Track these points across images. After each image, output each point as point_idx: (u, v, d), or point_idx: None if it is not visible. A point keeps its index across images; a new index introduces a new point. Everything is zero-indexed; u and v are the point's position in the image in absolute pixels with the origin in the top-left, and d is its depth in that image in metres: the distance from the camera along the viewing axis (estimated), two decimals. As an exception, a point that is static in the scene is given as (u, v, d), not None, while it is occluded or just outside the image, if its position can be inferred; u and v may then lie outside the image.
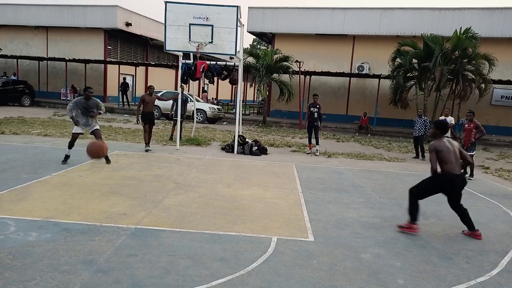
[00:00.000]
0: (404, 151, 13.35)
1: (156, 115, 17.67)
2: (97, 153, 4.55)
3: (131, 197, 5.69)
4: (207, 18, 9.79)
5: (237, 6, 9.81)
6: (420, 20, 20.53)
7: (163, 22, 9.98)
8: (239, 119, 11.60)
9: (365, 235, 4.75)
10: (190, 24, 9.78)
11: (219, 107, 21.73)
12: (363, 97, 22.67)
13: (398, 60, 18.01)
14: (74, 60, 23.94)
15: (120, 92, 23.83)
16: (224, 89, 30.73)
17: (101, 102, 7.89)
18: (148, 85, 10.66)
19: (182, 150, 10.34)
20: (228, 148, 10.85)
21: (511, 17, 19.58)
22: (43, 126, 13.37)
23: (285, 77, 20.11)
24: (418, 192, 5.00)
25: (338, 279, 3.55)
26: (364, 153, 11.99)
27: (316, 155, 11.07)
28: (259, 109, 27.23)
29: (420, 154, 11.82)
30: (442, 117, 11.53)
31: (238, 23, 9.95)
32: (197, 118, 15.51)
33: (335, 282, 3.49)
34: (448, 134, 11.14)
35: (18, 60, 25.18)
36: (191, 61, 10.73)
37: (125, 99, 23.65)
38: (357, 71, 21.70)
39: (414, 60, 17.27)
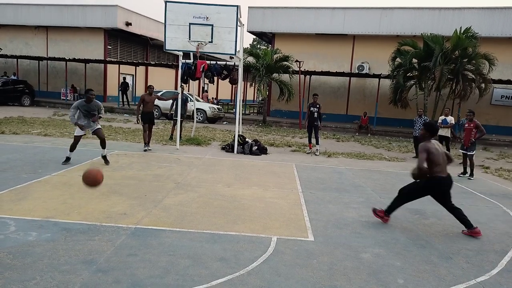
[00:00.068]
0: (404, 151, 13.35)
1: (156, 115, 17.67)
2: (93, 183, 4.53)
3: (131, 196, 5.69)
4: (207, 17, 9.78)
5: (237, 6, 9.81)
6: (420, 19, 20.53)
7: (163, 22, 9.98)
8: (239, 119, 11.60)
9: (365, 235, 4.75)
10: (190, 24, 9.78)
11: (219, 106, 21.73)
12: (363, 97, 22.67)
13: (398, 59, 18.01)
14: (74, 60, 23.93)
15: (120, 92, 23.85)
16: (224, 88, 30.72)
17: (101, 105, 7.88)
18: (148, 84, 10.64)
19: (182, 150, 10.34)
20: (228, 148, 10.85)
21: (511, 17, 19.59)
22: (43, 126, 13.37)
23: (285, 77, 20.11)
24: (409, 193, 5.11)
25: (338, 278, 3.55)
26: (364, 153, 11.99)
27: (316, 154, 11.07)
28: (259, 108, 27.23)
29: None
30: (442, 117, 11.53)
31: (238, 22, 9.95)
32: (197, 117, 15.51)
33: (335, 281, 3.49)
34: (449, 134, 11.27)
35: (18, 59, 25.18)
36: (191, 60, 10.73)
37: (125, 99, 23.65)
38: (357, 71, 21.70)
39: (414, 60, 17.26)
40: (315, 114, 11.11)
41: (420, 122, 11.82)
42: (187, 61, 10.68)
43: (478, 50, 16.34)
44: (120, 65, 24.19)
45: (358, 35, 21.90)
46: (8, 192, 5.50)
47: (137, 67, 25.98)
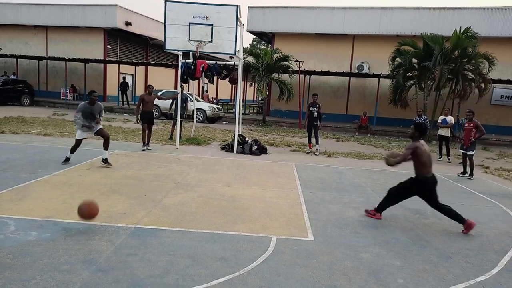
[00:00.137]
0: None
1: (155, 114, 17.67)
2: (88, 216, 4.41)
3: (131, 196, 5.69)
4: (207, 17, 9.78)
5: (237, 6, 9.80)
6: (420, 19, 20.53)
7: (163, 22, 9.97)
8: (239, 119, 11.59)
9: (365, 235, 4.75)
10: (190, 23, 9.77)
11: (219, 106, 21.73)
12: (363, 97, 22.67)
13: (398, 59, 18.02)
14: (73, 60, 23.91)
15: (119, 91, 23.84)
16: (224, 88, 30.72)
17: (103, 106, 7.81)
18: (148, 84, 10.64)
19: (182, 150, 10.33)
20: (228, 148, 10.84)
21: (511, 17, 19.59)
22: (43, 126, 13.36)
23: (285, 77, 20.10)
24: (398, 194, 5.28)
25: (338, 278, 3.55)
26: (364, 153, 11.99)
27: (316, 154, 11.07)
28: (259, 108, 27.21)
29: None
30: (442, 117, 11.54)
31: (238, 22, 9.95)
32: (196, 117, 15.51)
33: (335, 281, 3.49)
34: (449, 133, 11.28)
35: (18, 59, 25.17)
36: (191, 60, 10.73)
37: (124, 99, 23.63)
38: (357, 71, 21.70)
39: (414, 60, 17.28)
40: (315, 114, 11.11)
41: (420, 122, 11.84)
42: (187, 60, 10.69)
43: (478, 50, 16.35)
44: (120, 65, 24.17)
45: (358, 35, 21.90)
46: (8, 192, 5.49)
47: (136, 67, 25.94)
